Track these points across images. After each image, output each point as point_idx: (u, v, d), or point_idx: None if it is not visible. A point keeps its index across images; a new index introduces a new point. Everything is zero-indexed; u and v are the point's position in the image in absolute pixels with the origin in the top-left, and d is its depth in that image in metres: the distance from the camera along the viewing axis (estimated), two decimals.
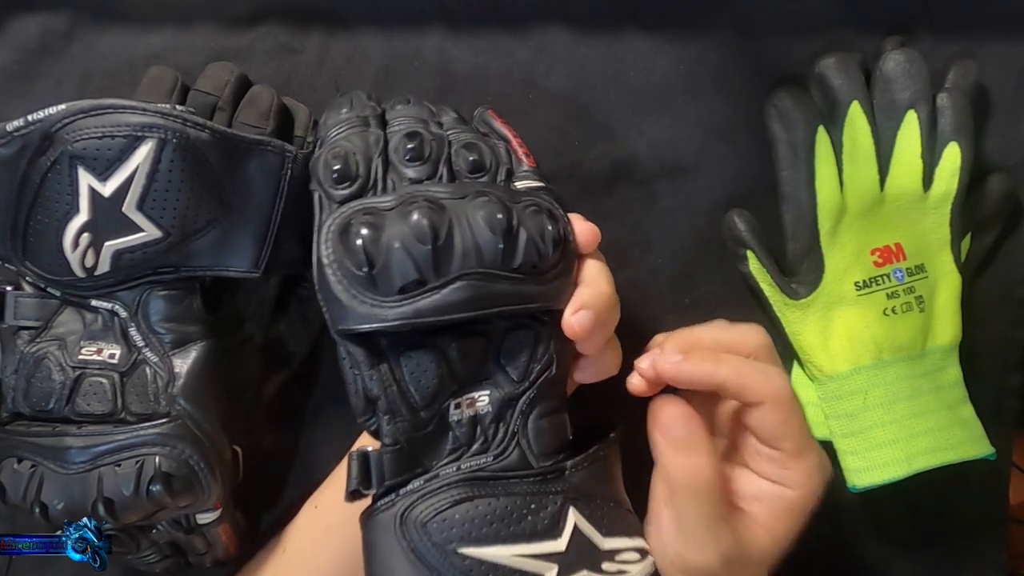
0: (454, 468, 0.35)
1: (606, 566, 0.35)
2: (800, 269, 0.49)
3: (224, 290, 0.45)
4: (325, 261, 0.35)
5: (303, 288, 0.48)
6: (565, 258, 0.37)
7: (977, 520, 0.53)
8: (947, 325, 0.48)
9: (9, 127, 0.37)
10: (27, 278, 0.41)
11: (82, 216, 0.37)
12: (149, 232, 0.38)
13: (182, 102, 0.41)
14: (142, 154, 0.37)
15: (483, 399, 0.36)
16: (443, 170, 0.38)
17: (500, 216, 0.35)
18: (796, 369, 0.51)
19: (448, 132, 0.40)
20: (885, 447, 0.46)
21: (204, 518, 0.44)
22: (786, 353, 0.51)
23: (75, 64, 0.49)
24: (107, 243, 0.38)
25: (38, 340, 0.41)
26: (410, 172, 0.37)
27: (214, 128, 0.39)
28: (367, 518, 0.36)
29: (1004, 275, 0.51)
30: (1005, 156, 0.51)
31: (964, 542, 0.53)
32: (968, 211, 0.49)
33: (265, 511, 0.50)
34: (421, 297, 0.34)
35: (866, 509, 0.51)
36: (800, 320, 0.49)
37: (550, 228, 0.36)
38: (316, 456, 0.50)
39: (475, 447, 0.36)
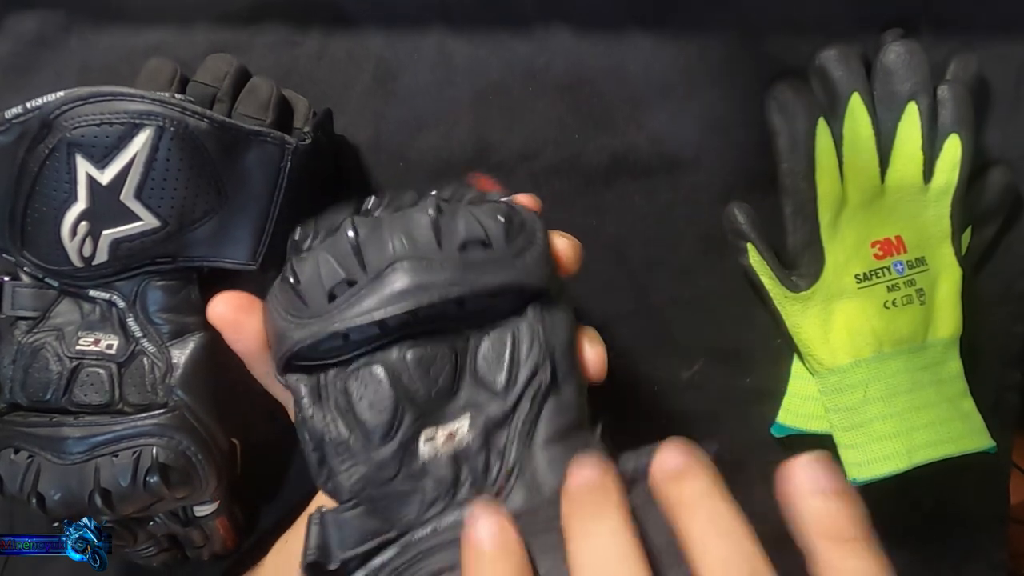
0: (430, 529, 0.28)
1: None
2: (800, 262, 0.49)
3: (222, 281, 0.44)
4: (268, 307, 0.31)
5: None
6: (526, 234, 0.31)
7: (977, 516, 0.52)
8: (948, 318, 0.48)
9: (7, 114, 0.37)
10: (25, 268, 0.41)
11: (80, 204, 0.37)
12: (147, 221, 0.38)
13: (181, 93, 0.41)
14: (140, 142, 0.37)
15: (462, 428, 0.29)
16: None
17: (431, 198, 0.31)
18: (796, 362, 0.51)
19: None
20: (885, 440, 0.46)
21: (202, 511, 0.44)
22: (786, 346, 0.51)
23: (74, 58, 0.49)
24: (105, 232, 0.38)
25: (36, 330, 0.41)
26: None
27: (213, 117, 0.38)
28: None
29: (1005, 268, 0.51)
30: (1006, 149, 0.50)
31: (964, 538, 0.52)
32: (969, 204, 0.49)
33: (263, 504, 0.50)
34: (353, 298, 0.29)
35: (866, 503, 0.51)
36: (800, 313, 0.49)
37: (496, 209, 0.31)
38: None
39: (461, 493, 0.28)
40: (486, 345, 0.30)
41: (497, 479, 0.29)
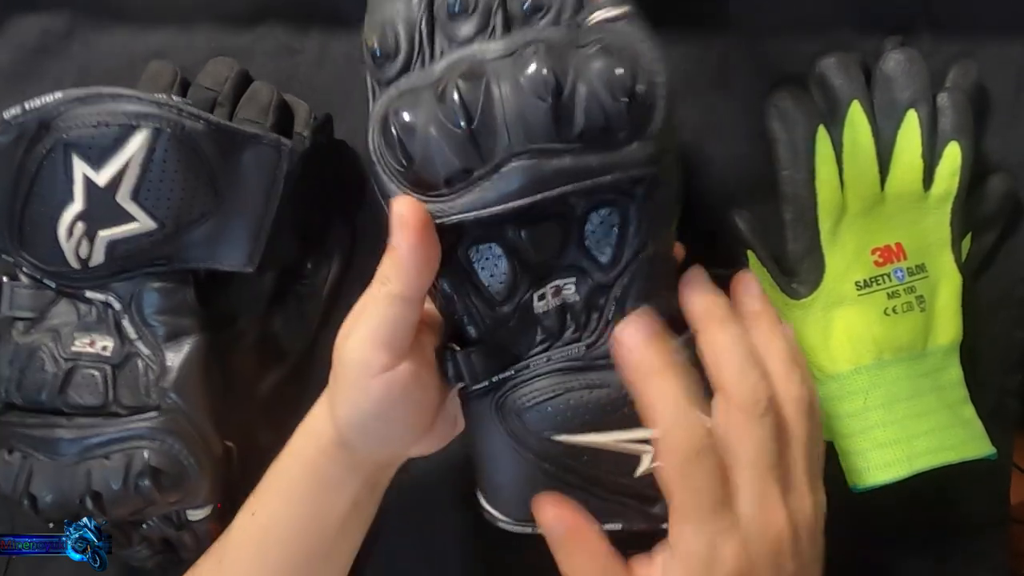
0: (544, 359, 0.33)
1: None
2: (800, 269, 0.49)
3: (218, 284, 0.44)
4: (373, 158, 0.32)
5: (302, 286, 0.48)
6: (647, 105, 0.30)
7: (978, 520, 0.52)
8: (948, 325, 0.48)
9: (6, 115, 0.37)
10: (23, 269, 0.41)
11: (77, 205, 0.37)
12: (143, 223, 0.38)
13: (181, 96, 0.41)
14: (137, 143, 0.37)
15: (569, 287, 0.33)
16: (496, 20, 0.31)
17: (546, 73, 0.28)
18: None
19: None
20: (886, 447, 0.46)
21: (195, 515, 0.44)
22: None
23: (75, 64, 0.49)
24: (101, 233, 0.38)
25: (32, 331, 0.41)
26: (457, 31, 0.31)
27: (209, 119, 0.39)
28: (467, 396, 0.35)
29: (1005, 275, 0.51)
30: (1005, 156, 0.50)
31: (965, 542, 0.52)
32: (968, 211, 0.48)
33: None
34: (469, 189, 0.30)
35: (866, 509, 0.51)
36: (801, 320, 0.49)
37: (619, 72, 0.29)
38: None
39: (566, 335, 0.33)
40: (595, 220, 0.32)
41: (596, 329, 0.33)
